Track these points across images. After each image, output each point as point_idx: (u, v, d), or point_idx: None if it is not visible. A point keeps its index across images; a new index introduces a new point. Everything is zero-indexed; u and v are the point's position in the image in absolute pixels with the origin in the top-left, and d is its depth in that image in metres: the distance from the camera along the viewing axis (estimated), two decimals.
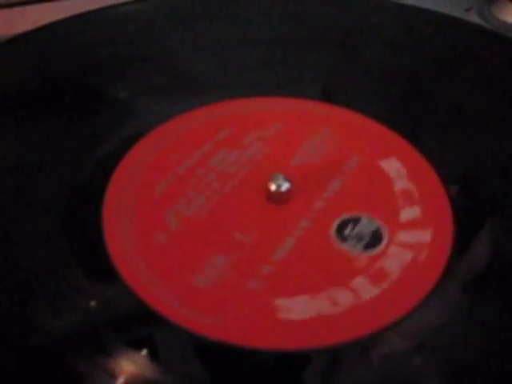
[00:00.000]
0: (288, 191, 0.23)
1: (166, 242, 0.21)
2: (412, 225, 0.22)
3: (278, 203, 0.23)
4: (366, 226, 0.22)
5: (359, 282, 0.20)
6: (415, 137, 0.27)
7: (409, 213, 0.23)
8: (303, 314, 0.19)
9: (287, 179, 0.23)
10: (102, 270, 0.20)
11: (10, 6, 0.44)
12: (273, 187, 0.22)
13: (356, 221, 0.22)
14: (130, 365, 0.18)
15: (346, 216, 0.22)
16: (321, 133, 0.27)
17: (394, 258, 0.21)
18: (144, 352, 0.18)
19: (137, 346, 0.18)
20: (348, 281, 0.20)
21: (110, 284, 0.20)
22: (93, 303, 0.19)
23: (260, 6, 0.35)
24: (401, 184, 0.24)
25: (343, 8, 0.37)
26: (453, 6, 0.40)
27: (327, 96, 0.30)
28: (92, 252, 0.21)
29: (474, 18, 0.40)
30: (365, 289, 0.20)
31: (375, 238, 0.21)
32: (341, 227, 0.22)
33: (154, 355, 0.18)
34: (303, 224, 0.22)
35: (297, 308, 0.19)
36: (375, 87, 0.30)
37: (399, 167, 0.25)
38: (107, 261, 0.20)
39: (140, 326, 0.19)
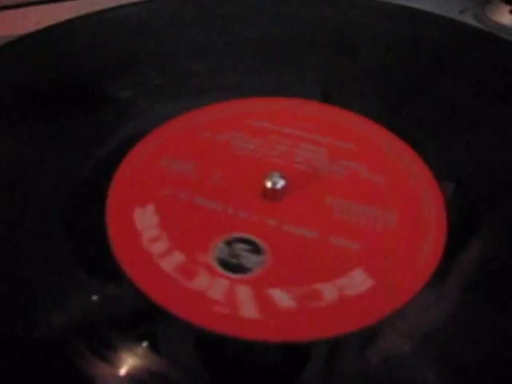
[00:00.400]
0: (283, 189, 0.23)
1: (169, 237, 0.22)
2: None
3: (273, 200, 0.23)
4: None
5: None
6: (410, 136, 0.28)
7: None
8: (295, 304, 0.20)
9: (283, 177, 0.23)
10: (105, 265, 0.21)
11: (14, 7, 0.44)
12: (269, 184, 0.23)
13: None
14: (133, 358, 0.18)
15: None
16: (318, 132, 0.27)
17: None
18: (147, 344, 0.19)
19: (140, 339, 0.19)
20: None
21: (114, 279, 0.20)
22: (96, 298, 0.20)
23: (258, 8, 0.35)
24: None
25: (341, 10, 0.38)
26: (448, 7, 0.41)
27: (325, 97, 0.30)
28: (95, 248, 0.21)
29: (469, 19, 0.40)
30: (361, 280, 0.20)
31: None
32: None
33: (157, 348, 0.19)
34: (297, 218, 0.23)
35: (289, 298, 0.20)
36: (373, 88, 0.31)
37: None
38: (110, 256, 0.21)
39: (143, 320, 0.20)
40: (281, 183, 0.23)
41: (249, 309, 0.19)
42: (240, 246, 0.21)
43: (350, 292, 0.20)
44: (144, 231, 0.22)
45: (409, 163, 0.26)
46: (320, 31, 0.35)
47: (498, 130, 0.29)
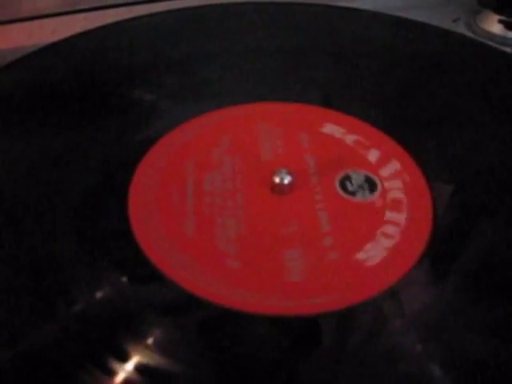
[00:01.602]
0: (290, 184, 0.26)
1: (190, 228, 0.24)
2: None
3: (280, 194, 0.26)
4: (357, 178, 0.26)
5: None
6: (406, 138, 0.30)
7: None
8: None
9: (289, 173, 0.26)
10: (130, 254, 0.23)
11: (31, 19, 0.47)
12: (277, 180, 0.25)
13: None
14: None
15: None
16: (318, 134, 0.30)
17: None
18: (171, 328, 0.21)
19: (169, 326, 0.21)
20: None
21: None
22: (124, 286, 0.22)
23: (269, 20, 0.38)
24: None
25: (340, 19, 0.40)
26: (442, 17, 0.43)
27: (327, 101, 0.33)
28: (119, 239, 0.24)
29: (461, 28, 0.43)
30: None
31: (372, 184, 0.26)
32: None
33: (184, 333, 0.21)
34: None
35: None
36: (371, 94, 0.33)
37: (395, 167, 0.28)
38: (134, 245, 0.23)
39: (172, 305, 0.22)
40: (288, 179, 0.26)
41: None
42: None
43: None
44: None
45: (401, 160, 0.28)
46: (320, 40, 0.37)
47: (489, 133, 0.31)
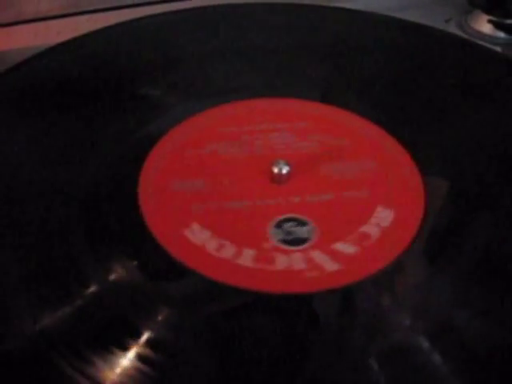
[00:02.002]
0: (288, 173, 0.27)
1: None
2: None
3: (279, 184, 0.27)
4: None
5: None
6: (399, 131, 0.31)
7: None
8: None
9: (287, 164, 0.27)
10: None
11: (37, 20, 0.48)
12: (275, 170, 0.27)
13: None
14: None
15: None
16: (316, 128, 0.31)
17: None
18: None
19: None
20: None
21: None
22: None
23: (267, 20, 0.40)
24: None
25: (337, 20, 0.42)
26: (435, 17, 0.45)
27: (324, 97, 0.34)
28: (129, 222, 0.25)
29: (453, 28, 0.44)
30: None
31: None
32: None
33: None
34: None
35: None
36: (368, 90, 0.35)
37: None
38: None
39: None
40: (286, 169, 0.27)
41: (329, 264, 0.24)
42: (288, 225, 0.25)
43: (384, 224, 0.25)
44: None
45: (395, 153, 0.30)
46: (319, 40, 0.39)
47: (480, 128, 0.32)
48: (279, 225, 0.25)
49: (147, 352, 0.21)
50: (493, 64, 0.38)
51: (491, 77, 0.37)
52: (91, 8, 0.48)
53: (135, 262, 0.24)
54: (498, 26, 0.42)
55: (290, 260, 0.24)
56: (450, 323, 0.22)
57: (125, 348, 0.21)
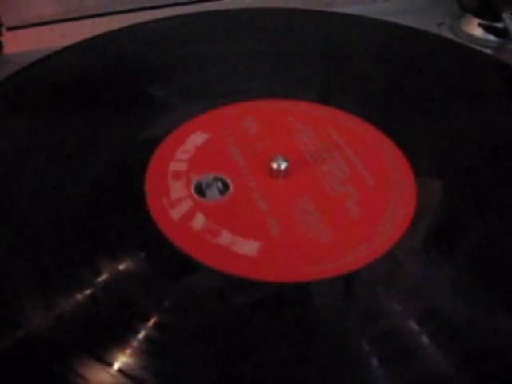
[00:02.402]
0: (286, 169, 0.28)
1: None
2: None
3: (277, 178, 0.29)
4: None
5: None
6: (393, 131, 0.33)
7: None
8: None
9: (286, 160, 0.29)
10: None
11: (40, 24, 0.49)
12: (274, 166, 0.28)
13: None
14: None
15: None
16: (312, 126, 0.32)
17: None
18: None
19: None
20: None
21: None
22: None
23: (264, 24, 0.41)
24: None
25: (332, 24, 0.43)
26: (428, 22, 0.46)
27: (320, 98, 0.35)
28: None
29: (445, 32, 0.46)
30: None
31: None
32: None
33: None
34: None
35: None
36: (363, 92, 0.36)
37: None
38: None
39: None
40: (284, 164, 0.28)
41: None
42: None
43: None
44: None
45: (388, 152, 0.31)
46: (317, 43, 0.40)
47: (470, 127, 0.34)
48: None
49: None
50: (484, 66, 0.40)
51: (482, 78, 0.38)
52: (94, 12, 0.50)
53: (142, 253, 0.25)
54: (488, 29, 0.43)
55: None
56: (442, 311, 0.24)
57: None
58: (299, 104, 0.34)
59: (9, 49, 0.46)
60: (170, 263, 0.25)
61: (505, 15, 0.41)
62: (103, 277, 0.24)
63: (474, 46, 0.43)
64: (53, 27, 0.50)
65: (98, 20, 0.50)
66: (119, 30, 0.38)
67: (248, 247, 0.25)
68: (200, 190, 0.28)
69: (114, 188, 0.28)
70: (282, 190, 0.28)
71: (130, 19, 0.46)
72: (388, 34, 0.43)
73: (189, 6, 0.49)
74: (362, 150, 0.31)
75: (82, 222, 0.26)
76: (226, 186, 0.28)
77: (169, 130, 0.31)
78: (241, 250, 0.25)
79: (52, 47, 0.39)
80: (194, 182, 0.28)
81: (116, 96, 0.33)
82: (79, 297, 0.23)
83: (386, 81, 0.37)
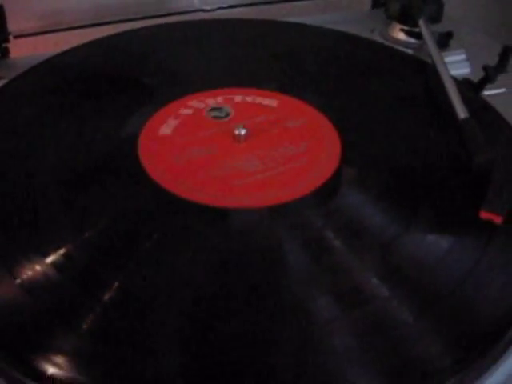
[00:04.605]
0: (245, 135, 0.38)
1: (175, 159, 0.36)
2: None
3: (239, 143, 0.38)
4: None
5: None
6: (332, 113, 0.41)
7: None
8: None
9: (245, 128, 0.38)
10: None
11: (35, 34, 0.57)
12: (236, 132, 0.37)
13: None
14: None
15: None
16: (267, 107, 0.42)
17: None
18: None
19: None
20: None
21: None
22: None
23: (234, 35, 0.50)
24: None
25: (290, 34, 0.52)
26: (362, 28, 0.55)
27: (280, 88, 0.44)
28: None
29: (376, 36, 0.55)
30: None
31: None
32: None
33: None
34: None
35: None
36: (312, 84, 0.45)
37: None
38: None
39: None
40: (244, 131, 0.37)
41: None
42: None
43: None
44: None
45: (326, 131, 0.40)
46: (276, 48, 0.49)
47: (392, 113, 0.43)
48: None
49: None
50: (406, 63, 0.49)
51: (406, 74, 0.48)
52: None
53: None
54: (408, 33, 0.53)
55: None
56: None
57: None
58: (265, 93, 0.43)
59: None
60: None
61: (420, 22, 0.50)
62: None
63: (399, 47, 0.52)
64: (47, 36, 0.58)
65: (86, 30, 0.58)
66: (107, 37, 0.47)
67: None
68: None
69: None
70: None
71: (111, 30, 0.55)
72: (332, 39, 0.52)
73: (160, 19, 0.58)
74: (304, 123, 0.40)
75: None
76: None
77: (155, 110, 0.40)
78: None
79: (47, 53, 0.47)
80: None
81: (113, 87, 0.42)
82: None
83: (329, 75, 0.46)
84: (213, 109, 0.40)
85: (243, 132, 0.37)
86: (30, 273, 0.30)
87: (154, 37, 0.49)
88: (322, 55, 0.49)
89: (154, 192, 0.34)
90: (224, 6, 0.58)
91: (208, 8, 0.58)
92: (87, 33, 0.57)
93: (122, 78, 0.44)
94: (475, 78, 0.47)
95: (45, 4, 0.57)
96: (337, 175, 0.35)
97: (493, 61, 0.46)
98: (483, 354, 0.28)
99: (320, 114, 0.41)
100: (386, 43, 0.53)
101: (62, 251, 0.31)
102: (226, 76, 0.45)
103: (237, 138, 0.37)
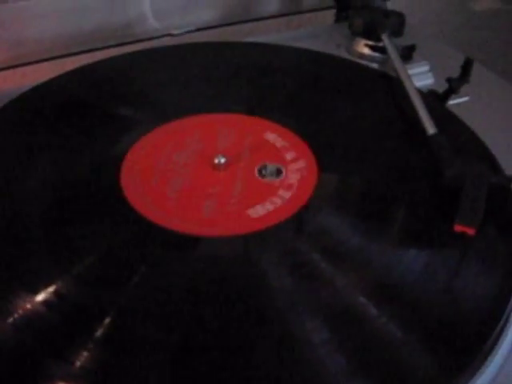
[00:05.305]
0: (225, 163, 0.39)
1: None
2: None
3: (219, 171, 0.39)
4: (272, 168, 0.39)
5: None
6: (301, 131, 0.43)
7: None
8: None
9: (224, 156, 0.39)
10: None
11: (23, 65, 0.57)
12: (216, 161, 0.38)
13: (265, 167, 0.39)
14: None
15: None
16: (243, 132, 0.43)
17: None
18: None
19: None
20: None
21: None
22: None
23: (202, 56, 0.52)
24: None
25: (252, 53, 0.54)
26: (328, 44, 0.57)
27: (249, 111, 0.45)
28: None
29: (342, 52, 0.56)
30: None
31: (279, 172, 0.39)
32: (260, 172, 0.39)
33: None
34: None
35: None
36: (282, 104, 0.46)
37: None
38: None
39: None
40: (223, 160, 0.38)
41: None
42: None
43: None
44: None
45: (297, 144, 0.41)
46: (245, 68, 0.51)
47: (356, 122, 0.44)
48: None
49: None
50: (371, 77, 0.51)
51: (371, 87, 0.49)
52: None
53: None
54: (373, 48, 0.55)
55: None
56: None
57: None
58: (234, 116, 0.44)
59: None
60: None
61: (383, 36, 0.52)
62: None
63: (364, 62, 0.54)
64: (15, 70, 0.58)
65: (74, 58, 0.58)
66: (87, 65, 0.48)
67: None
68: None
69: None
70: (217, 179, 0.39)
71: (83, 60, 0.55)
72: (297, 57, 0.53)
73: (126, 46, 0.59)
74: (276, 146, 0.41)
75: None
76: None
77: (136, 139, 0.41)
78: None
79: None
80: None
81: (91, 118, 0.43)
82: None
83: (296, 93, 0.48)
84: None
85: (223, 161, 0.38)
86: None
87: (129, 64, 0.50)
88: (289, 74, 0.51)
89: (136, 222, 0.35)
90: (192, 29, 0.59)
91: (176, 32, 0.59)
92: (57, 63, 0.58)
93: (99, 107, 0.45)
94: (439, 88, 0.49)
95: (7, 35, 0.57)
96: (312, 201, 0.37)
97: (454, 69, 0.48)
98: (470, 359, 0.29)
99: (290, 132, 0.42)
100: (352, 58, 0.55)
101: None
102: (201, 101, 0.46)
103: (216, 166, 0.39)
